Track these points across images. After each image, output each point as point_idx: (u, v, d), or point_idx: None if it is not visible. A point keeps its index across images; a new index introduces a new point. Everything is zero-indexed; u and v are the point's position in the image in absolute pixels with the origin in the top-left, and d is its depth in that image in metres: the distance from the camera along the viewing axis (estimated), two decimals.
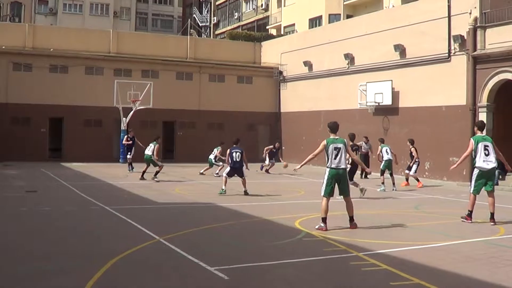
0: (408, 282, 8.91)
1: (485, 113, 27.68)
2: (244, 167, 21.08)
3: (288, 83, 43.17)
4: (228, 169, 21.26)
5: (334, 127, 14.46)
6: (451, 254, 11.24)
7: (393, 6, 42.88)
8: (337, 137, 14.15)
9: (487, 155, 14.40)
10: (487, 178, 14.80)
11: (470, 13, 28.46)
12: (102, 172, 29.28)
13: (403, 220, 15.77)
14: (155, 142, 26.49)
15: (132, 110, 37.00)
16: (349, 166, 17.17)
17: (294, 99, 42.22)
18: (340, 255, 10.81)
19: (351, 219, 13.84)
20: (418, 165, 26.16)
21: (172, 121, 40.87)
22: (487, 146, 14.83)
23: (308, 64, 40.31)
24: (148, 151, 26.29)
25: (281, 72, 43.43)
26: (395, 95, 32.76)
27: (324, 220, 13.44)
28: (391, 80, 32.81)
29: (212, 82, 42.69)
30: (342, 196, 14.03)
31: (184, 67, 42.19)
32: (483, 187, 14.80)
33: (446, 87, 29.84)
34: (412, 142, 26.29)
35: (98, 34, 42.25)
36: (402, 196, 22.59)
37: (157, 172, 25.88)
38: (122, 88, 36.68)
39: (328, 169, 13.78)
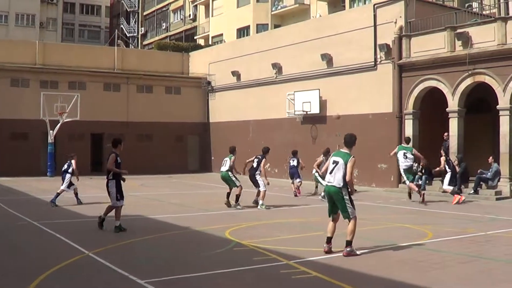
0: None
1: (411, 120, 28.22)
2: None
3: (216, 93, 43.14)
4: None
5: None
6: (381, 259, 11.39)
7: (320, 16, 43.38)
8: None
9: (405, 158, 16.42)
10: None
11: (396, 22, 29.01)
12: (30, 186, 28.69)
13: None
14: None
15: (59, 122, 36.40)
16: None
17: (223, 109, 42.20)
18: (270, 263, 10.83)
19: (350, 240, 11.80)
20: None
21: (100, 133, 40.29)
22: (406, 152, 17.23)
23: (236, 74, 40.36)
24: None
25: (209, 82, 43.37)
26: (322, 103, 33.07)
27: (329, 240, 12.04)
28: (319, 89, 33.10)
29: (140, 93, 42.31)
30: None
31: (112, 78, 41.68)
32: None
33: (372, 95, 30.30)
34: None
35: (24, 45, 41.42)
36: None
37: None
38: (49, 100, 36.05)
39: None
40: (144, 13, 74.41)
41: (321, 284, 9.26)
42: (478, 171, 24.69)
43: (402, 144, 19.17)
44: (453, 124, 26.50)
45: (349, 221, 11.84)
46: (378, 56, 30.04)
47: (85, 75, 40.39)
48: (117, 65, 42.69)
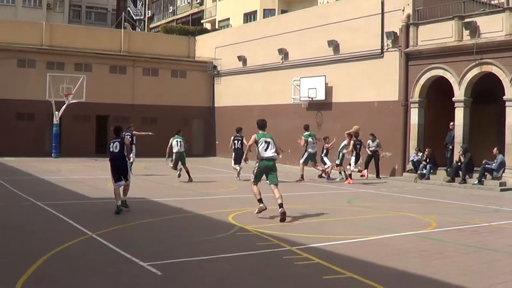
0: (341, 276, 8.99)
1: (417, 109, 28.15)
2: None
3: (222, 78, 43.09)
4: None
5: (262, 124, 15.65)
6: (383, 247, 11.40)
7: (327, 2, 43.17)
8: (265, 133, 15.22)
9: (266, 149, 14.78)
10: (271, 169, 14.88)
11: (403, 10, 28.88)
12: (34, 166, 28.73)
13: (335, 214, 15.94)
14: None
15: (65, 104, 36.42)
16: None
17: (228, 94, 42.18)
18: (273, 249, 10.84)
19: (281, 205, 14.29)
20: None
21: (106, 115, 40.30)
22: (268, 141, 14.98)
23: (242, 58, 40.31)
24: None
25: (215, 67, 43.31)
26: (328, 90, 33.02)
27: (260, 200, 14.55)
28: (325, 76, 33.04)
29: (146, 76, 42.27)
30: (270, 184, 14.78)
31: (118, 61, 41.65)
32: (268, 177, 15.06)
33: (378, 82, 30.24)
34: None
35: (31, 26, 41.27)
36: (335, 190, 22.82)
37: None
38: (54, 82, 36.06)
39: (259, 161, 14.75)
40: None
41: (323, 271, 9.26)
42: (483, 161, 24.63)
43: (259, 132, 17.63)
44: (459, 114, 26.42)
45: (277, 186, 14.61)
46: (385, 44, 29.94)
47: (91, 57, 40.34)
48: (123, 47, 42.61)
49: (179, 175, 23.76)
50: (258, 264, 9.86)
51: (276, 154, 14.89)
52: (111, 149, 15.64)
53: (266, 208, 14.53)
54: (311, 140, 26.35)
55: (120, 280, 8.70)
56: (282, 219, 14.12)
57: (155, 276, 8.79)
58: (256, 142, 14.87)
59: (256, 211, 14.60)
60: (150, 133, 28.53)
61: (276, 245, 11.14)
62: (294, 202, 18.48)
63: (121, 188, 15.50)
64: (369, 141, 28.32)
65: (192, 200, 18.18)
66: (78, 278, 8.67)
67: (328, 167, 26.67)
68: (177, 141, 24.30)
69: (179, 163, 24.19)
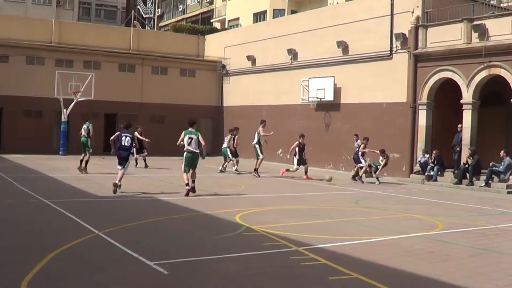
0: (347, 277, 9.00)
1: (425, 111, 28.15)
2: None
3: (231, 77, 43.13)
4: None
5: (191, 122, 19.00)
6: (390, 249, 11.41)
7: (337, 3, 43.24)
8: (192, 130, 18.72)
9: (189, 144, 18.45)
10: (192, 160, 18.64)
11: (413, 12, 28.89)
12: (42, 164, 28.80)
13: (343, 215, 15.96)
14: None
15: (73, 101, 36.50)
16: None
17: (237, 93, 42.21)
18: (279, 249, 10.86)
19: (192, 183, 18.46)
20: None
21: (114, 113, 40.39)
22: (191, 137, 18.51)
23: (251, 58, 40.34)
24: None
25: (224, 66, 43.36)
26: (337, 91, 33.02)
27: (187, 184, 18.34)
28: (333, 76, 33.05)
29: (155, 75, 42.36)
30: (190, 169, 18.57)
31: (127, 59, 41.74)
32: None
33: (387, 84, 30.23)
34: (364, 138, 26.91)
35: (40, 23, 41.38)
36: (342, 191, 22.84)
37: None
38: (63, 79, 36.14)
39: (185, 153, 18.53)
40: None
41: (330, 271, 9.28)
42: (490, 164, 24.61)
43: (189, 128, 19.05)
44: (467, 116, 26.41)
45: (194, 171, 18.60)
46: (394, 45, 29.94)
47: (100, 55, 40.45)
48: (132, 46, 42.70)
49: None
50: (265, 264, 9.87)
51: (195, 148, 18.43)
52: (122, 142, 18.86)
53: (190, 189, 18.27)
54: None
55: (126, 279, 8.72)
56: (186, 194, 18.10)
57: (161, 275, 8.82)
58: (183, 137, 18.46)
59: (184, 193, 18.21)
60: (147, 140, 30.25)
61: (283, 245, 11.16)
62: (302, 202, 18.54)
63: (120, 172, 18.76)
64: (354, 141, 29.12)
65: (199, 199, 18.18)
66: (85, 276, 8.70)
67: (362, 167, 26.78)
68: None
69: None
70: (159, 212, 15.14)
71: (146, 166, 29.53)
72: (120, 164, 19.00)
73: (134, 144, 22.48)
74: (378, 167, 26.65)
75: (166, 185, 22.00)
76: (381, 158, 26.71)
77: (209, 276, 8.99)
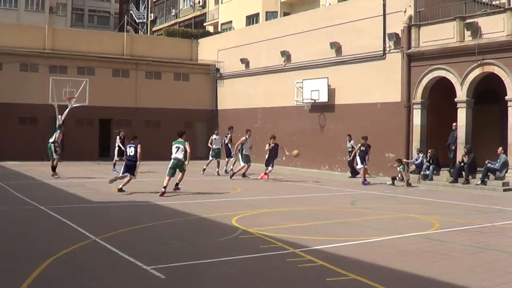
0: (344, 278, 9.00)
1: (420, 110, 28.19)
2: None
3: (225, 80, 43.13)
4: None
5: (180, 133, 21.04)
6: (386, 249, 11.42)
7: (329, 4, 43.25)
8: (180, 140, 20.63)
9: (176, 152, 20.46)
10: (175, 166, 20.58)
11: (405, 12, 28.93)
12: (37, 170, 28.76)
13: (339, 216, 15.96)
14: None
15: (67, 107, 36.40)
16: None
17: (231, 96, 42.21)
18: (276, 252, 10.85)
19: (177, 184, 20.90)
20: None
21: (109, 118, 40.36)
22: (178, 146, 20.51)
23: (245, 61, 40.34)
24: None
25: (218, 69, 43.36)
26: (331, 92, 33.02)
27: (165, 187, 19.78)
28: (327, 78, 33.06)
29: (149, 79, 42.36)
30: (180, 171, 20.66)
31: (121, 64, 41.74)
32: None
33: (381, 84, 30.26)
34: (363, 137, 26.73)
35: (33, 30, 41.38)
36: (338, 192, 22.85)
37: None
38: (57, 85, 35.97)
39: (172, 159, 20.43)
40: (154, 0, 74.25)
41: (327, 273, 9.28)
42: (486, 161, 24.64)
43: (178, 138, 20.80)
44: (462, 115, 26.45)
45: (182, 173, 20.72)
46: (387, 45, 29.98)
47: (94, 60, 40.43)
48: (126, 51, 42.68)
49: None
50: (262, 266, 9.86)
51: (181, 156, 20.37)
52: (127, 152, 20.76)
53: (164, 193, 19.60)
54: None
55: (123, 284, 8.71)
56: (161, 195, 19.51)
57: (159, 279, 8.81)
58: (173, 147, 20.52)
59: (159, 193, 19.61)
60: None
61: (280, 248, 11.15)
62: (298, 204, 18.54)
63: (125, 179, 20.50)
64: (347, 142, 29.50)
65: (196, 203, 18.18)
66: (82, 282, 8.68)
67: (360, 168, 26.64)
68: (176, 146, 20.68)
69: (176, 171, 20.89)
70: (155, 217, 15.11)
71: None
72: (126, 171, 20.71)
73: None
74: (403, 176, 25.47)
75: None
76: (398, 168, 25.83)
77: (206, 279, 8.98)
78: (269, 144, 27.04)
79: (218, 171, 29.52)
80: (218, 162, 29.83)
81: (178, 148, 20.41)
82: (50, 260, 9.80)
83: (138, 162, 20.64)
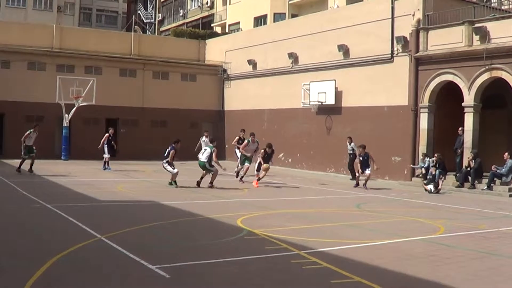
0: (349, 280, 9.00)
1: (427, 114, 28.14)
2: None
3: (232, 81, 43.14)
4: None
5: (211, 139, 24.65)
6: (391, 252, 11.41)
7: (337, 7, 43.24)
8: (210, 144, 23.54)
9: (202, 154, 22.91)
10: (200, 166, 23.00)
11: (413, 15, 28.89)
12: (44, 169, 28.75)
13: (344, 219, 15.95)
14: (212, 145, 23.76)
15: (74, 106, 36.52)
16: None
17: (238, 97, 42.21)
18: (281, 253, 10.85)
19: (211, 182, 22.91)
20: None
21: (115, 118, 40.39)
22: (206, 149, 23.06)
23: (252, 62, 40.34)
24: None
25: (225, 70, 43.37)
26: (338, 94, 33.00)
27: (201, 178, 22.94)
28: (335, 80, 33.03)
29: (156, 79, 42.37)
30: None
31: (128, 64, 41.76)
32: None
33: (388, 87, 30.22)
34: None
35: (41, 29, 41.43)
36: (344, 194, 22.84)
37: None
38: (64, 84, 36.14)
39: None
40: (162, 0, 74.36)
41: (331, 275, 9.28)
42: (492, 166, 24.61)
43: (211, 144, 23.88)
44: (469, 119, 26.40)
45: (210, 174, 22.87)
46: (395, 49, 29.93)
47: (101, 60, 40.48)
48: (133, 50, 42.73)
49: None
50: (266, 267, 9.87)
51: (204, 158, 22.59)
52: (165, 153, 23.28)
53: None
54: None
55: (128, 283, 8.73)
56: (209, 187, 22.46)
57: (163, 279, 8.82)
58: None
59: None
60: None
61: (285, 249, 11.16)
62: (303, 206, 18.54)
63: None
64: (347, 144, 29.59)
65: (201, 203, 18.20)
66: (86, 281, 8.70)
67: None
68: (204, 148, 23.93)
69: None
70: (161, 216, 15.13)
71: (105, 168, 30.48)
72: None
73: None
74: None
75: (168, 190, 22.01)
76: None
77: (211, 279, 8.99)
78: (265, 152, 25.36)
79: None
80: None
81: (205, 150, 22.95)
82: (55, 259, 9.82)
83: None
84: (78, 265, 9.61)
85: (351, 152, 29.03)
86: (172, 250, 11.08)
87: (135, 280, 8.82)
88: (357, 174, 25.92)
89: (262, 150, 25.21)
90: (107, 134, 30.82)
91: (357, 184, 25.61)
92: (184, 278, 9.00)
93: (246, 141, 26.34)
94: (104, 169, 29.99)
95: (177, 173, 23.06)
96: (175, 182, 22.96)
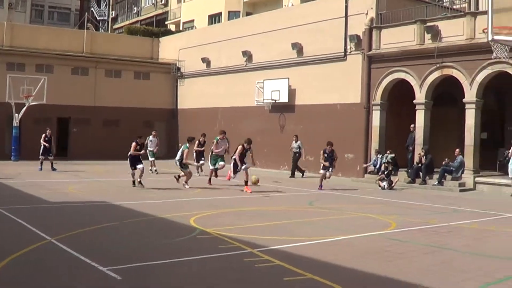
0: (302, 277, 9.01)
1: (379, 111, 28.41)
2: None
3: (185, 80, 42.96)
4: None
5: (188, 139, 23.46)
6: (344, 248, 11.48)
7: (292, 5, 43.32)
8: (186, 144, 22.97)
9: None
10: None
11: (367, 14, 29.13)
12: None
13: (297, 216, 15.99)
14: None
15: (25, 106, 35.96)
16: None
17: (192, 96, 42.03)
18: (234, 252, 10.82)
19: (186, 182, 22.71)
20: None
21: (67, 117, 39.90)
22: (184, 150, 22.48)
23: (206, 60, 40.22)
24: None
25: (179, 68, 43.17)
26: (291, 92, 33.10)
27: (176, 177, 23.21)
28: (288, 78, 33.12)
29: (109, 78, 41.97)
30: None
31: (80, 62, 41.29)
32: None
33: (341, 85, 30.40)
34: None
35: None
36: (296, 192, 22.89)
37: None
38: (15, 83, 35.58)
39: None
40: None
41: (284, 273, 9.27)
42: (443, 162, 24.95)
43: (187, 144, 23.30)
44: (420, 116, 26.72)
45: (184, 173, 22.71)
46: (348, 47, 30.14)
47: (53, 58, 39.94)
48: (86, 48, 42.25)
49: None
50: (219, 266, 9.82)
51: (177, 157, 22.66)
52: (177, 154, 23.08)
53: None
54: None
55: (78, 285, 8.60)
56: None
57: (115, 280, 8.71)
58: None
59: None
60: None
61: (237, 248, 11.13)
62: (255, 204, 18.51)
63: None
64: (293, 142, 29.87)
65: (154, 203, 18.06)
66: (37, 283, 8.56)
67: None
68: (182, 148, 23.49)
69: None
70: (112, 217, 14.96)
71: (53, 169, 29.74)
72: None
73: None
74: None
75: (120, 190, 21.81)
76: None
77: (164, 279, 8.92)
78: (243, 148, 24.48)
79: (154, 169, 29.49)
80: (153, 162, 29.61)
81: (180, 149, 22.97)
82: (5, 262, 9.62)
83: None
84: (28, 268, 9.42)
85: (297, 150, 29.25)
86: (124, 251, 10.95)
87: (86, 282, 8.69)
88: (321, 171, 24.39)
89: (240, 146, 23.09)
90: (43, 135, 30.13)
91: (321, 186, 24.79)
92: (136, 280, 8.90)
93: (215, 140, 25.19)
94: (53, 170, 29.37)
95: (190, 173, 23.01)
96: (140, 183, 22.20)
